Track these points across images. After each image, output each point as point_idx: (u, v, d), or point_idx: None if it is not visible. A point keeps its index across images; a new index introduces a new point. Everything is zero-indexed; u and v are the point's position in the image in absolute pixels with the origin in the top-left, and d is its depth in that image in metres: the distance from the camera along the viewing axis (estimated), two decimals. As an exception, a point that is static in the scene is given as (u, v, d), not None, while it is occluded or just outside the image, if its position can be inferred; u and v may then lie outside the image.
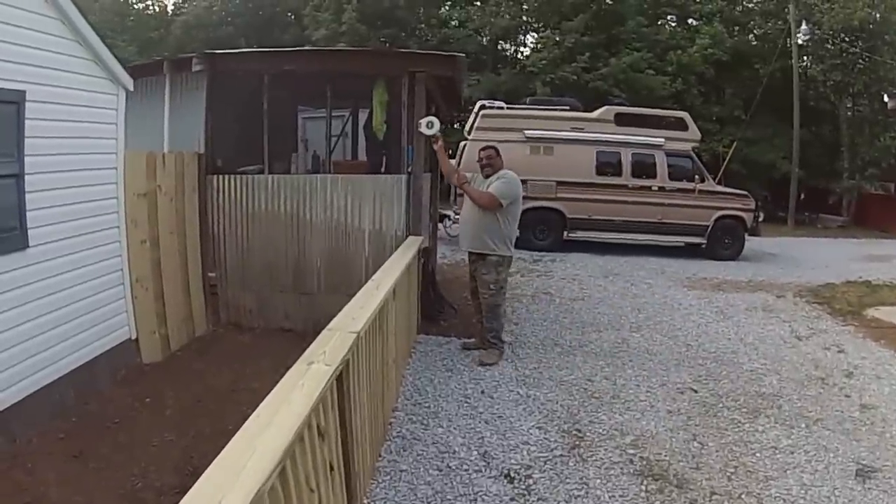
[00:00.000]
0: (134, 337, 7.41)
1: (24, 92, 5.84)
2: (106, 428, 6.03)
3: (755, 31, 26.76)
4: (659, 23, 27.10)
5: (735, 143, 18.24)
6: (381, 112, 8.35)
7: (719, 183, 14.34)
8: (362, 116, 11.25)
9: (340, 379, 2.83)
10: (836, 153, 24.76)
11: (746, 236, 13.52)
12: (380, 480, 3.83)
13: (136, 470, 5.13)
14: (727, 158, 17.08)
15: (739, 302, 9.13)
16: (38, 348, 6.07)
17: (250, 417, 2.05)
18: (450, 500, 3.62)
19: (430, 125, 6.80)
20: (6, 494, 5.07)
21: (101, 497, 4.80)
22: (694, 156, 13.58)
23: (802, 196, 24.41)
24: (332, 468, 2.70)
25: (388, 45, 25.24)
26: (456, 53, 7.91)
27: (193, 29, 27.71)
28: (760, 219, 14.32)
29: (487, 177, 6.26)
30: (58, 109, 6.32)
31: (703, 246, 13.34)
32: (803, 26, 22.57)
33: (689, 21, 27.36)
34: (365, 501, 3.54)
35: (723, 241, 13.34)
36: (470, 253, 6.37)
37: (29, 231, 5.95)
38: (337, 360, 2.66)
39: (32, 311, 6.00)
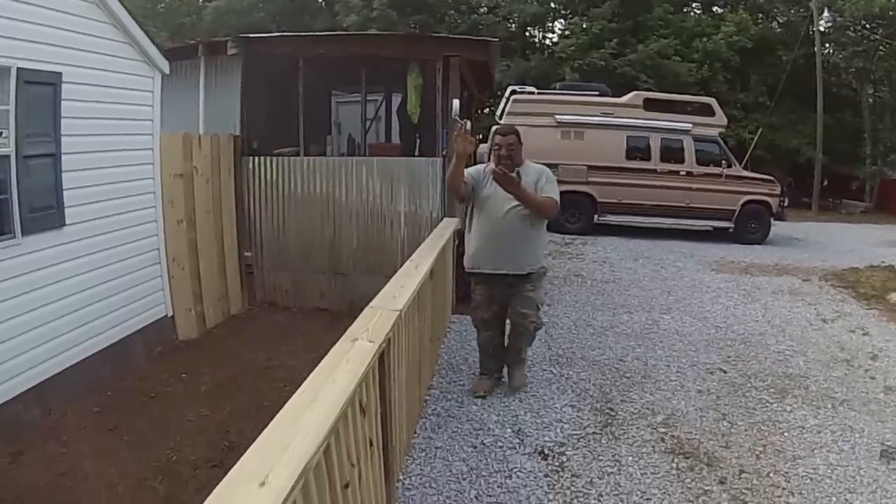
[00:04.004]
0: (170, 314, 7.62)
1: (60, 74, 6.02)
2: (141, 402, 6.21)
3: (778, 19, 26.64)
4: (685, 10, 26.95)
5: (760, 130, 18.11)
6: (415, 96, 8.46)
7: (746, 168, 14.32)
8: (395, 100, 11.38)
9: (383, 356, 2.89)
10: (858, 139, 24.79)
11: (772, 221, 13.52)
12: (415, 457, 3.94)
13: (171, 443, 5.31)
14: (753, 144, 16.99)
15: (766, 285, 9.17)
16: (73, 324, 6.27)
17: (296, 394, 2.09)
18: (484, 476, 3.72)
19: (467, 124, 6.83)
20: (41, 465, 5.25)
21: (135, 469, 4.97)
22: (721, 141, 13.58)
23: (826, 182, 24.27)
24: (371, 444, 2.77)
25: (418, 30, 25.24)
26: (489, 38, 7.97)
27: (225, 15, 27.70)
28: (785, 204, 14.32)
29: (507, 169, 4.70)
30: (93, 91, 6.49)
31: (731, 230, 13.37)
32: (825, 13, 22.36)
33: (715, 8, 27.22)
34: (401, 478, 3.65)
35: (749, 226, 13.35)
36: (492, 275, 4.75)
37: (66, 210, 6.15)
38: (380, 338, 2.72)
39: (68, 288, 6.21)
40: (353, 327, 2.82)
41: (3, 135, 5.48)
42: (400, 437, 3.55)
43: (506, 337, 5.06)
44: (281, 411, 1.96)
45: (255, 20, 26.91)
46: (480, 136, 9.77)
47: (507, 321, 4.99)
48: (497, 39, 8.08)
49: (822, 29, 23.07)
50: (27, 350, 5.73)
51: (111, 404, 6.18)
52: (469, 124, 4.45)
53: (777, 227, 13.97)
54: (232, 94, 8.72)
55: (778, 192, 13.45)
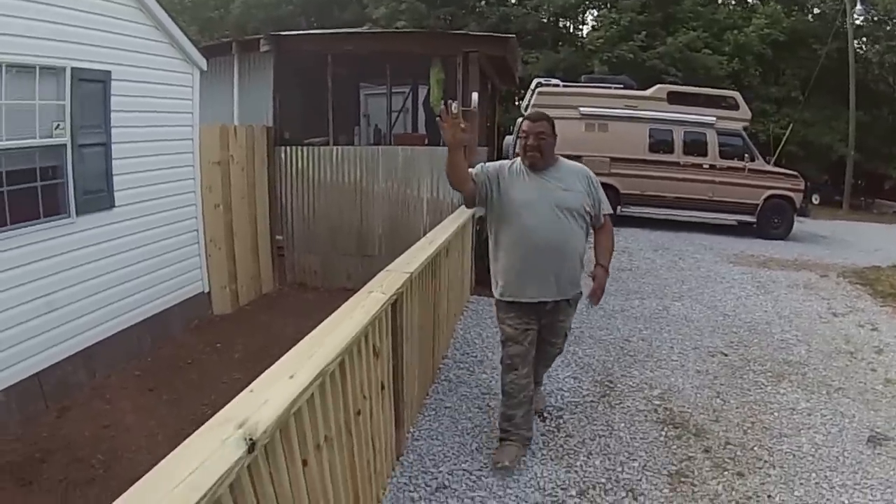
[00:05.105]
0: (207, 290, 8.14)
1: (109, 72, 6.59)
2: (178, 368, 6.69)
3: (813, 11, 26.13)
4: (719, 2, 26.69)
5: (791, 125, 17.97)
6: (437, 89, 8.81)
7: (777, 164, 14.35)
8: (422, 92, 11.72)
9: (395, 307, 3.35)
10: (894, 137, 24.11)
11: (795, 217, 13.52)
12: (426, 414, 4.33)
13: (205, 401, 5.69)
14: (784, 140, 16.96)
15: (782, 279, 9.24)
16: (119, 296, 6.83)
17: (320, 325, 2.57)
18: (486, 432, 4.08)
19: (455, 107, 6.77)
20: (87, 420, 5.76)
21: (172, 422, 5.38)
22: (744, 135, 13.59)
23: (860, 181, 23.87)
24: (383, 387, 3.24)
25: (448, 22, 25.37)
26: (507, 35, 8.27)
27: (253, 8, 27.99)
28: (817, 202, 14.25)
29: (536, 169, 3.70)
30: (139, 87, 7.05)
31: (754, 224, 13.41)
32: (857, 6, 22.01)
33: (747, 0, 26.87)
34: (412, 430, 4.05)
35: (772, 221, 13.36)
36: (525, 303, 3.75)
37: (115, 193, 6.72)
38: (392, 291, 3.19)
39: (115, 264, 6.76)
40: (369, 284, 3.28)
41: (60, 126, 6.02)
42: (412, 394, 3.98)
43: None
44: (309, 334, 2.45)
45: (284, 13, 27.20)
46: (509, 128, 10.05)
47: None
48: (514, 36, 8.33)
49: (857, 22, 22.64)
50: (77, 318, 6.28)
51: (151, 369, 6.68)
52: (456, 105, 3.39)
53: (803, 224, 13.93)
54: (264, 88, 9.19)
55: (802, 187, 13.42)
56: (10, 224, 5.65)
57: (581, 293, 3.90)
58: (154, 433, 5.41)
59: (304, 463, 2.12)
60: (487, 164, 3.85)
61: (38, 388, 5.96)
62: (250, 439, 1.59)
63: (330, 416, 2.36)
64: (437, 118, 3.54)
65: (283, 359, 2.19)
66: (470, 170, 3.69)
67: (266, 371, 2.07)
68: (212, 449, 1.53)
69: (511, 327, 3.78)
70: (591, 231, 3.96)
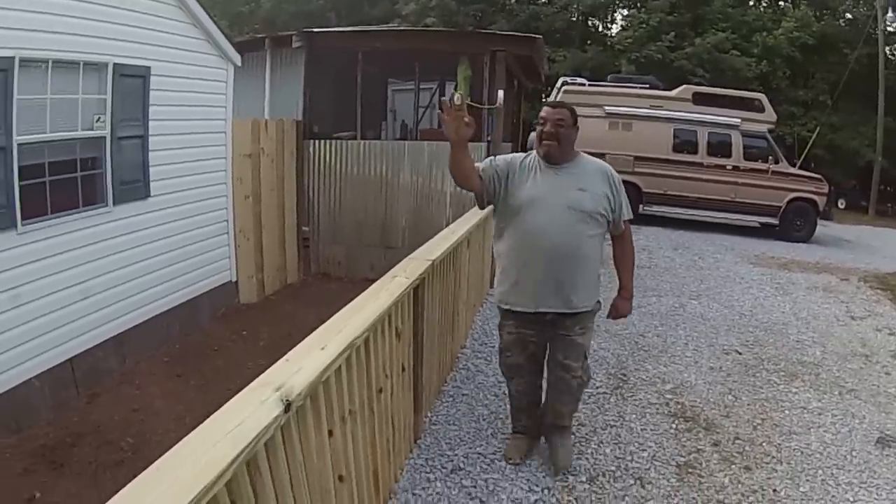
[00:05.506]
0: (234, 280, 8.40)
1: (149, 67, 6.87)
2: (205, 354, 6.91)
3: (844, 16, 25.91)
4: (750, 4, 26.52)
5: (819, 129, 17.87)
6: (464, 86, 8.99)
7: (803, 168, 14.31)
8: (449, 89, 11.89)
9: (416, 292, 3.54)
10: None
11: (819, 220, 13.51)
12: (444, 400, 4.49)
13: (231, 386, 5.87)
14: (810, 143, 16.86)
15: (802, 281, 9.23)
16: (151, 283, 7.10)
17: (347, 306, 2.76)
18: (501, 418, 4.21)
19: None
20: (116, 405, 6.02)
21: (199, 406, 5.44)
22: (769, 137, 13.58)
23: (887, 187, 23.64)
24: (403, 369, 3.43)
25: (477, 19, 25.38)
26: (534, 35, 8.40)
27: (283, 3, 28.21)
28: (843, 206, 14.19)
29: (551, 160, 3.31)
30: (177, 82, 7.32)
31: (776, 227, 13.42)
32: (890, 13, 21.80)
33: (780, 3, 26.71)
34: (429, 414, 4.21)
35: (795, 223, 13.36)
36: (523, 313, 3.43)
37: (151, 183, 6.98)
38: (414, 276, 3.37)
39: (150, 252, 7.04)
40: (393, 269, 3.46)
41: (101, 119, 6.31)
42: (430, 380, 4.15)
43: (543, 391, 3.79)
44: (338, 312, 2.65)
45: (314, 8, 27.37)
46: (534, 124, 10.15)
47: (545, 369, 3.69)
48: (540, 37, 8.47)
49: (890, 28, 22.45)
50: (110, 305, 6.55)
51: (179, 355, 6.91)
52: (458, 97, 3.01)
53: (827, 228, 13.90)
54: (295, 83, 9.43)
55: (825, 190, 13.43)
56: (51, 213, 5.94)
57: (599, 305, 3.51)
58: (182, 417, 5.64)
59: (330, 433, 2.30)
60: (497, 157, 3.45)
61: (71, 373, 6.22)
62: (286, 400, 1.78)
63: (354, 390, 2.55)
64: (439, 111, 3.22)
65: (314, 333, 2.38)
66: (477, 164, 3.33)
67: (299, 343, 2.27)
68: (252, 408, 1.71)
69: (508, 334, 3.57)
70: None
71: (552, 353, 3.51)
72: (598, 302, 3.50)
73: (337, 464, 2.41)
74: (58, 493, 5.08)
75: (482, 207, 3.60)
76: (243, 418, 1.65)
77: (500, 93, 7.66)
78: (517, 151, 4.53)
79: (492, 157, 3.43)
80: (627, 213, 3.47)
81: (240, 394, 1.81)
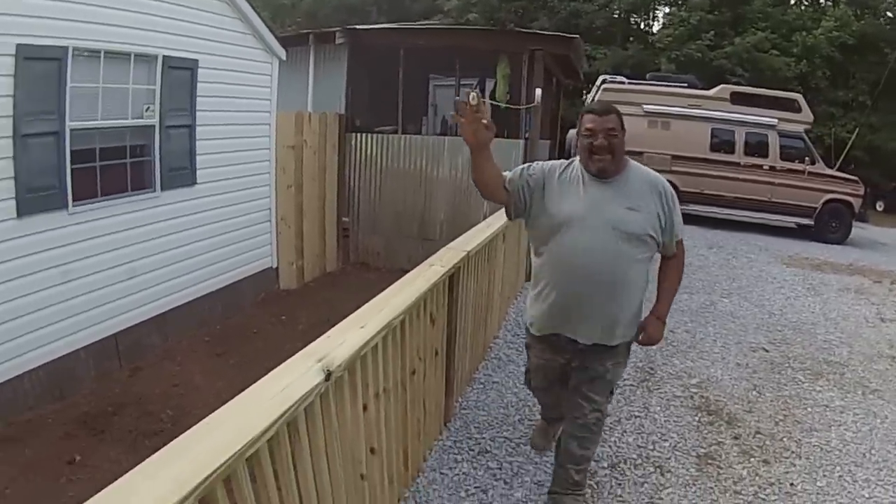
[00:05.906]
0: (275, 266, 8.68)
1: (196, 60, 7.17)
2: (245, 336, 7.14)
3: (885, 14, 25.27)
4: (791, 3, 26.12)
5: (858, 129, 17.59)
6: (503, 84, 9.13)
7: (842, 169, 14.15)
8: (489, 85, 12.04)
9: (451, 281, 3.71)
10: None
11: (854, 222, 13.37)
12: (474, 387, 4.66)
13: (269, 365, 6.11)
14: (849, 144, 16.63)
15: (834, 282, 9.18)
16: (195, 267, 7.41)
17: (387, 289, 2.95)
18: (529, 405, 4.35)
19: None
20: (157, 379, 6.31)
21: (238, 384, 5.68)
22: (806, 137, 13.48)
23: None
24: (436, 353, 3.61)
25: (519, 15, 25.33)
26: (572, 35, 8.50)
27: (326, -4, 28.21)
28: (881, 209, 14.00)
29: (606, 175, 2.85)
30: (223, 74, 7.60)
31: (812, 228, 13.33)
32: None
33: (820, 2, 26.25)
34: (460, 399, 4.38)
35: (830, 225, 13.25)
36: (563, 340, 3.01)
37: (197, 171, 7.27)
38: (450, 265, 3.55)
39: (195, 236, 7.34)
40: (430, 258, 3.65)
41: (150, 109, 6.61)
42: (462, 368, 4.33)
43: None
44: (377, 296, 2.83)
45: (356, 2, 27.38)
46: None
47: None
48: (577, 36, 8.57)
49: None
50: (155, 285, 6.87)
51: (220, 336, 7.17)
52: (474, 95, 2.61)
53: (864, 231, 13.73)
54: (338, 78, 9.66)
55: (861, 192, 13.30)
56: (101, 196, 6.25)
57: (631, 338, 3.10)
58: (220, 392, 5.75)
59: (365, 408, 2.49)
60: (533, 165, 3.03)
61: (115, 348, 6.57)
62: (328, 370, 1.99)
63: (389, 370, 2.74)
64: (452, 114, 2.98)
65: (355, 313, 2.57)
66: (505, 174, 2.94)
67: (341, 321, 2.46)
68: (296, 375, 1.94)
69: (536, 360, 3.28)
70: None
71: (577, 382, 3.05)
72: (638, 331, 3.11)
73: (370, 437, 2.60)
74: (97, 458, 5.34)
75: (511, 219, 3.13)
76: (289, 382, 1.87)
77: (538, 91, 7.78)
78: (555, 150, 4.44)
79: (525, 166, 3.02)
80: (681, 232, 3.06)
81: (285, 363, 2.02)
